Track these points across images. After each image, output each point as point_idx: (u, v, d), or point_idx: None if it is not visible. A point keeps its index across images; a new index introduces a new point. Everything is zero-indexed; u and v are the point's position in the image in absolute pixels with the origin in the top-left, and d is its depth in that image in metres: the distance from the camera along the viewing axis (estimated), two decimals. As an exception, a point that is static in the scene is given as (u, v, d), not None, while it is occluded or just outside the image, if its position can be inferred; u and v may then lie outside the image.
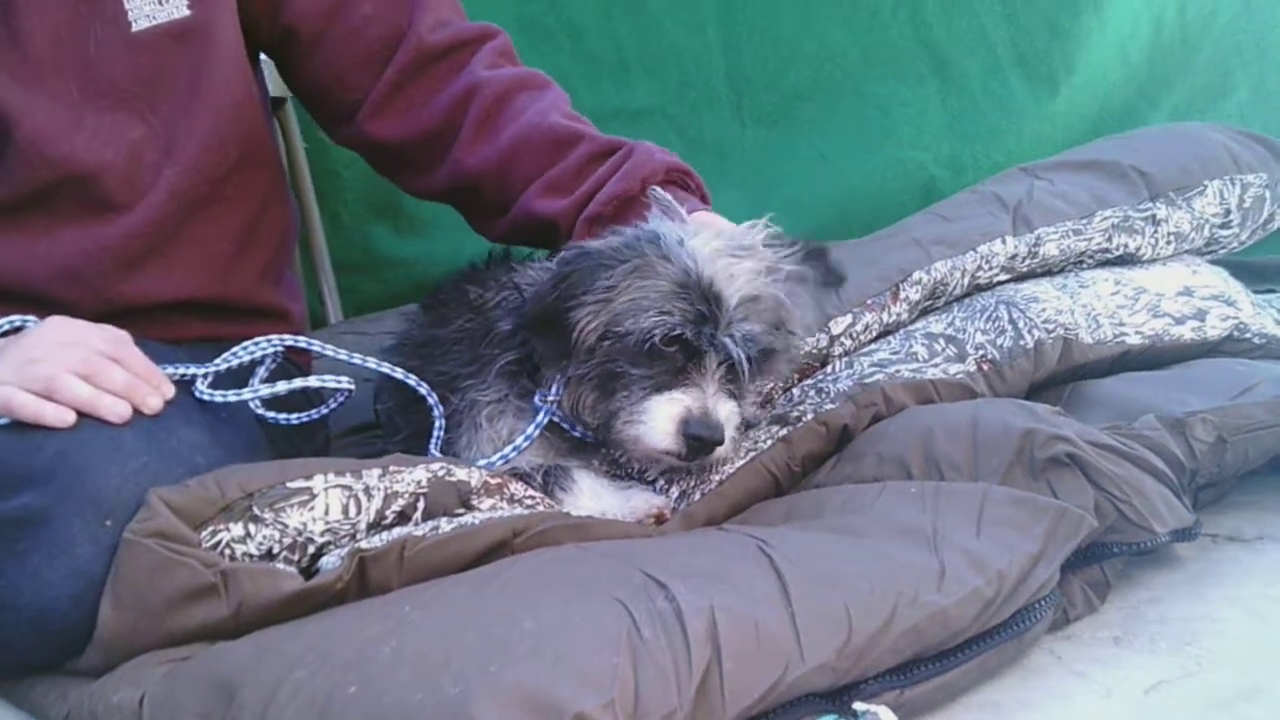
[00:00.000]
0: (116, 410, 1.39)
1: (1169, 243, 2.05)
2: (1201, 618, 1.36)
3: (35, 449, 1.34)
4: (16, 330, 1.52)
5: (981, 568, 1.23)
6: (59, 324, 1.48)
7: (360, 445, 2.05)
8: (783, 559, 1.20)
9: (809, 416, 1.59)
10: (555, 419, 1.63)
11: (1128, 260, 2.04)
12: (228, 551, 1.32)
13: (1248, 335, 1.93)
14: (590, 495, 1.56)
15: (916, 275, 1.85)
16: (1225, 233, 2.12)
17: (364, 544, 1.33)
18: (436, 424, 1.70)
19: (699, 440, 1.49)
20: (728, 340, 1.50)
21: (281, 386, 1.61)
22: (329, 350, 1.73)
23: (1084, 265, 2.02)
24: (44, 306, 1.58)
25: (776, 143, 3.35)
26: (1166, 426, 1.51)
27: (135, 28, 1.65)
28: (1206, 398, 1.59)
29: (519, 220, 1.84)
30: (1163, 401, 1.60)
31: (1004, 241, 1.92)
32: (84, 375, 1.39)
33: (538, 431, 1.63)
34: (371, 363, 1.73)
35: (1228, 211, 2.10)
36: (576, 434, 1.64)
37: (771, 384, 1.70)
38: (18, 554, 1.28)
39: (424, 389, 1.70)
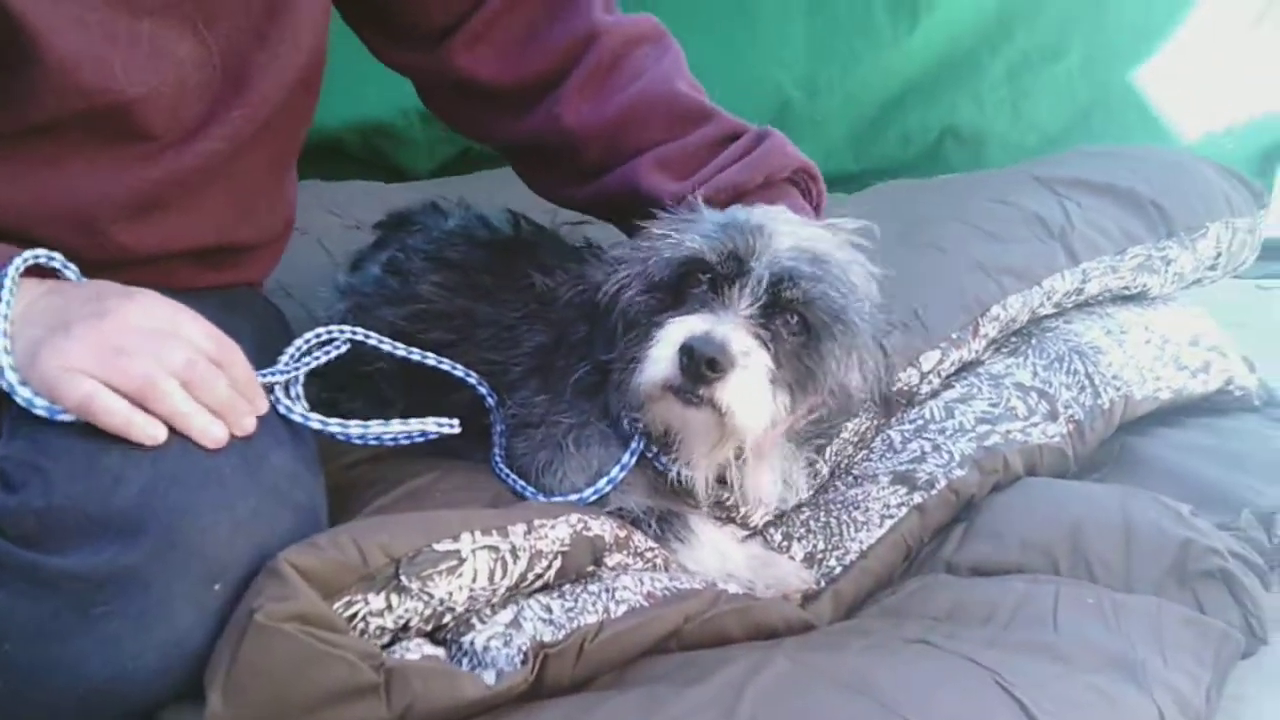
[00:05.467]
0: (211, 433, 1.11)
1: (1173, 282, 2.09)
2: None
3: (114, 482, 1.04)
4: (50, 272, 1.19)
5: (1184, 707, 1.21)
6: (146, 302, 1.15)
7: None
8: (1031, 701, 1.13)
9: (941, 483, 1.50)
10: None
11: (1138, 297, 2.07)
12: (361, 625, 1.10)
13: (1231, 387, 2.00)
14: (712, 550, 1.41)
15: (994, 310, 1.79)
16: (1211, 274, 2.19)
17: (547, 638, 1.14)
18: (497, 439, 1.52)
19: (691, 356, 1.23)
20: (756, 265, 1.30)
21: (386, 427, 1.34)
22: (385, 344, 1.49)
23: (1101, 299, 2.02)
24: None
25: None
26: (1261, 521, 1.54)
27: None
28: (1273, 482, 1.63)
29: (613, 189, 1.59)
30: (1229, 485, 1.62)
31: (1063, 277, 1.89)
32: (184, 381, 1.10)
33: (633, 460, 1.45)
34: (430, 359, 1.52)
35: (1218, 254, 2.15)
36: (660, 465, 1.46)
37: (841, 374, 1.38)
38: (91, 617, 1.01)
39: (492, 399, 1.50)
